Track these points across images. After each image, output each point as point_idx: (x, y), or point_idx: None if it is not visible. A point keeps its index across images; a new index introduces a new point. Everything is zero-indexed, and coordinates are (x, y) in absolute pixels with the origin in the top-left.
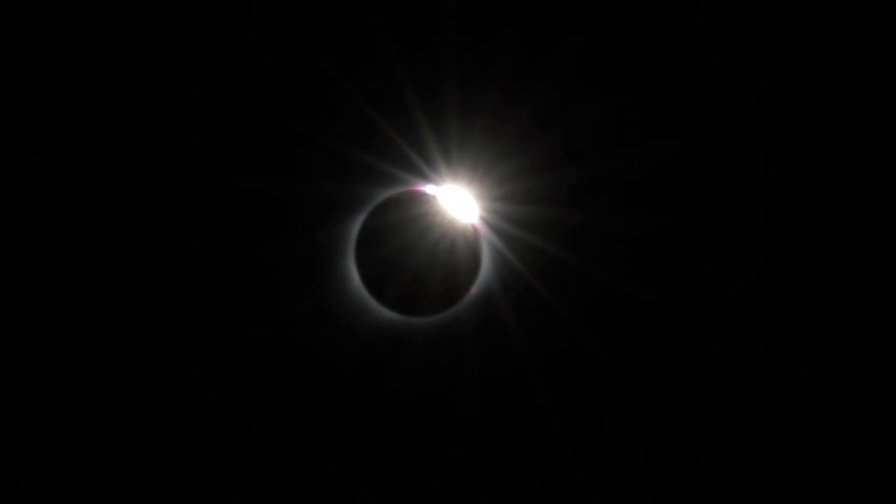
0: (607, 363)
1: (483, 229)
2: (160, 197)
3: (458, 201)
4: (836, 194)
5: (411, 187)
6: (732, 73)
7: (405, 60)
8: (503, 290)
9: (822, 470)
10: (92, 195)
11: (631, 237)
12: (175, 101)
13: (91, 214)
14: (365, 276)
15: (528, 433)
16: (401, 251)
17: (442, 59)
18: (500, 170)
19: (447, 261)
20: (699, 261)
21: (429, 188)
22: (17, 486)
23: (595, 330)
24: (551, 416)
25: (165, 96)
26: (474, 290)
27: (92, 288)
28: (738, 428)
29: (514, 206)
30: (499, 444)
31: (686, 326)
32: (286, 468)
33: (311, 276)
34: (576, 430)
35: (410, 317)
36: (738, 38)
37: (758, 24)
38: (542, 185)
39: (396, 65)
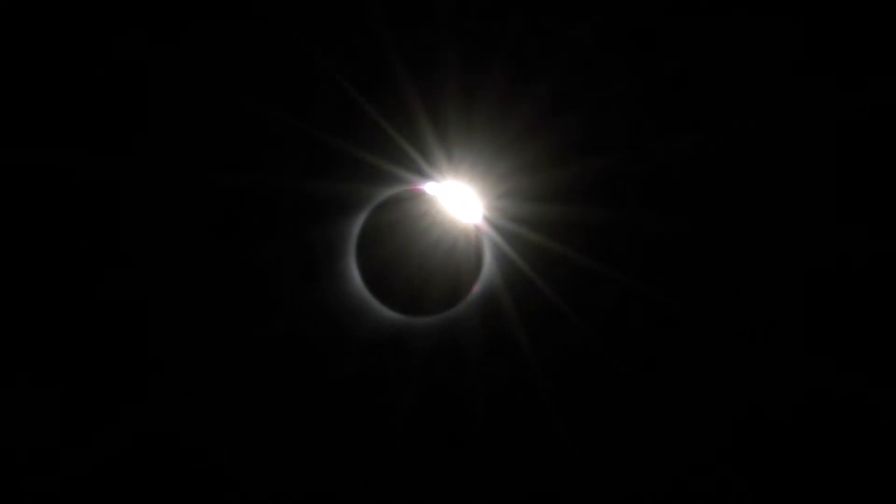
0: (625, 378)
1: (486, 229)
2: (160, 195)
3: (459, 199)
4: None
5: (410, 186)
6: (776, 53)
7: (401, 44)
8: (508, 298)
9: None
10: (84, 194)
11: (654, 239)
12: (176, 98)
13: (83, 215)
14: (365, 277)
15: (535, 444)
16: (399, 252)
17: (440, 40)
18: (505, 164)
19: (447, 263)
20: (731, 267)
21: (428, 186)
22: None
23: (612, 342)
24: (561, 431)
25: (162, 93)
26: (475, 298)
27: (85, 292)
28: (782, 464)
29: (521, 203)
30: (503, 451)
31: (715, 341)
32: (284, 471)
33: (311, 277)
34: (587, 448)
35: (411, 317)
36: (779, 11)
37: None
38: (552, 181)
39: (392, 49)
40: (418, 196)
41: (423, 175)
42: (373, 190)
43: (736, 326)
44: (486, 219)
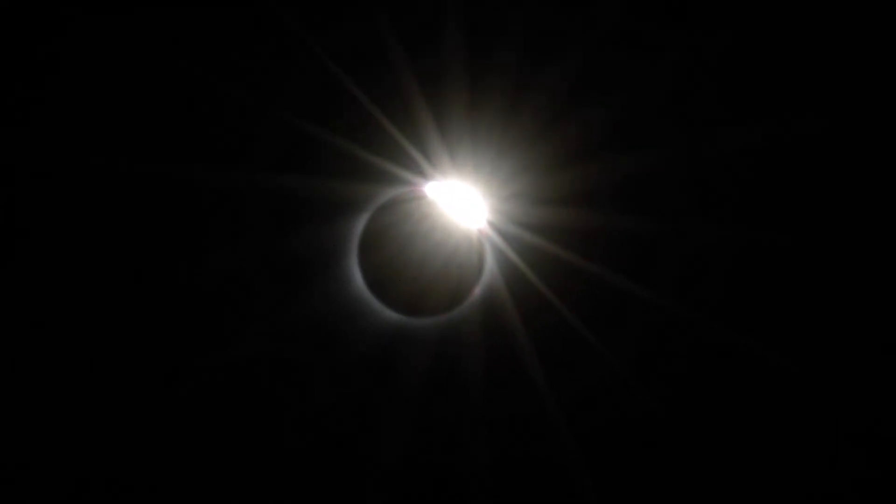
0: (657, 420)
1: (490, 235)
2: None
3: (461, 201)
4: None
5: (409, 187)
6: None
7: (399, 25)
8: (515, 317)
9: None
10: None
11: (695, 253)
12: (177, 98)
13: (49, 216)
14: (357, 285)
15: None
16: (394, 260)
17: (443, 20)
18: (513, 162)
19: (445, 274)
20: (795, 289)
21: (428, 187)
22: None
23: (643, 375)
24: (583, 486)
25: (170, 96)
26: (476, 314)
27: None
28: None
29: (531, 207)
30: (503, 460)
31: (773, 378)
32: (281, 475)
33: (310, 278)
34: (596, 474)
35: (411, 319)
36: None
37: None
38: (567, 183)
39: (388, 30)
40: (416, 198)
41: (422, 174)
42: (366, 191)
43: (801, 363)
44: (491, 224)
